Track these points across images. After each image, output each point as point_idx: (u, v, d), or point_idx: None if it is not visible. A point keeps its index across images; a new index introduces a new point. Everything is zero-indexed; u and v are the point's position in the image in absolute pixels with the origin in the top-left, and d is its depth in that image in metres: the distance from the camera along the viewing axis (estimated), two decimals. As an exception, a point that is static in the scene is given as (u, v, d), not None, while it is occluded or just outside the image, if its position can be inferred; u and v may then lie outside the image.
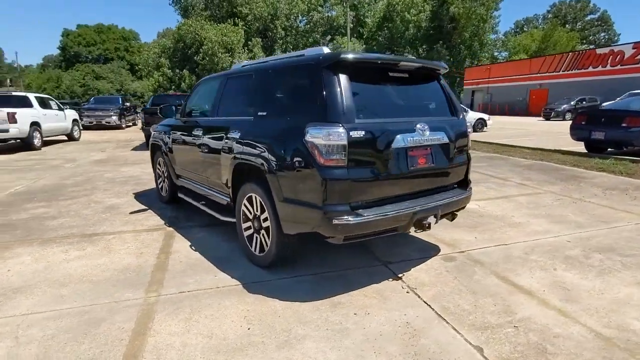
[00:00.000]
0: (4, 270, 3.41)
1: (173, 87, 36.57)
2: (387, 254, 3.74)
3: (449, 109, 3.58)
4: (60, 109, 14.53)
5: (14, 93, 13.87)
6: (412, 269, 3.40)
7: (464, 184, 3.65)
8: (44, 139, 12.91)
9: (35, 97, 13.22)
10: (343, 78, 2.84)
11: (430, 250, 3.81)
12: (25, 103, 12.45)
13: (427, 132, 3.12)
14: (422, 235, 4.22)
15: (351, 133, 2.73)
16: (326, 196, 2.72)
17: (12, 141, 11.97)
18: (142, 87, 47.87)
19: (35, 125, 12.24)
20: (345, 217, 2.73)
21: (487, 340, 2.40)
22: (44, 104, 13.39)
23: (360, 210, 2.84)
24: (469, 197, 3.59)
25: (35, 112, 12.48)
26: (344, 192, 2.74)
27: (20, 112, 11.58)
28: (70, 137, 15.42)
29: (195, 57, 34.23)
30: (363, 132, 2.79)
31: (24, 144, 12.08)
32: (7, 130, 11.13)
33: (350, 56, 2.89)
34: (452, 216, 3.58)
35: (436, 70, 3.58)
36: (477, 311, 2.72)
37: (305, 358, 2.24)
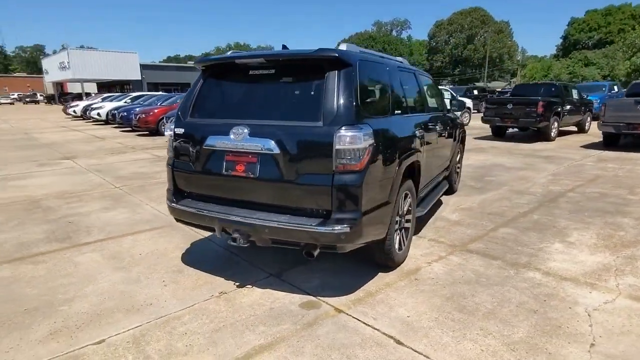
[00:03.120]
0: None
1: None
2: (321, 286, 2.98)
3: (318, 112, 2.58)
4: (452, 97, 15.64)
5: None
6: (274, 294, 2.85)
7: (328, 215, 2.56)
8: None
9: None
10: (200, 80, 3.14)
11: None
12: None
13: (243, 137, 2.70)
14: (412, 280, 2.96)
15: (176, 129, 3.07)
16: (167, 180, 3.26)
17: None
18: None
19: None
20: (170, 200, 3.15)
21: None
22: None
23: (184, 199, 3.09)
24: (323, 235, 2.49)
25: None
26: (171, 179, 3.18)
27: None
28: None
29: None
30: (183, 130, 3.03)
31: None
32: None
33: (204, 60, 3.10)
34: (305, 252, 2.62)
35: (320, 61, 2.65)
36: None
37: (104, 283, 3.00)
